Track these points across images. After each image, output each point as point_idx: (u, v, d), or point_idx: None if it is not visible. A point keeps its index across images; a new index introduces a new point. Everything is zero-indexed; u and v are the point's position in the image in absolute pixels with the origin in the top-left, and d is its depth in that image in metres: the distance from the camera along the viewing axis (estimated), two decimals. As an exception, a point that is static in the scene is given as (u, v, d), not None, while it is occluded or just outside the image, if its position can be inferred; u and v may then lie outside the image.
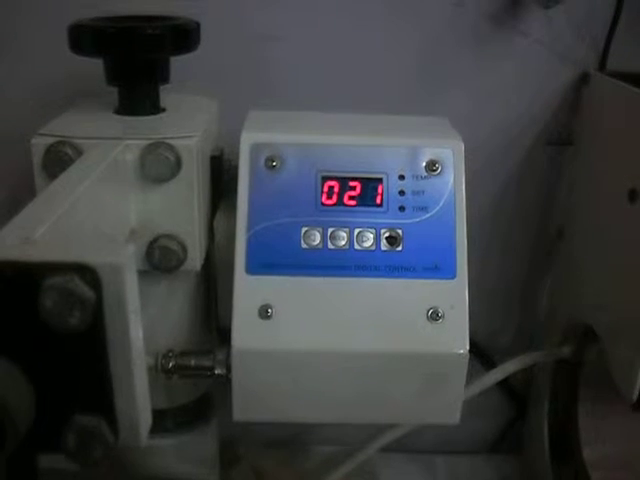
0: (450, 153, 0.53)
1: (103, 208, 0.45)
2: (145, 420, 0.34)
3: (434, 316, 0.50)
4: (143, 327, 0.34)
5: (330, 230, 0.51)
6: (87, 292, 0.29)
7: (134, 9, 0.56)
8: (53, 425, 0.31)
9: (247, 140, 0.52)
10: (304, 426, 0.84)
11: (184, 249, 0.51)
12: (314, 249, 0.51)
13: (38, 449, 0.32)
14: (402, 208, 0.52)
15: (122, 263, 0.30)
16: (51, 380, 0.31)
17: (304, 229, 0.51)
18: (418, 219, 0.52)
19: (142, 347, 0.34)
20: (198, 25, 0.55)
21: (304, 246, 0.51)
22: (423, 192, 0.52)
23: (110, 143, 0.48)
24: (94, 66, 0.53)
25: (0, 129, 0.68)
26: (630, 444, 0.72)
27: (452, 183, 0.52)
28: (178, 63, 0.55)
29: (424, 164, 0.52)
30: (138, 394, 0.33)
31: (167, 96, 0.57)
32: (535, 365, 0.75)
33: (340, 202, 0.52)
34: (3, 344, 0.30)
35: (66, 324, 0.29)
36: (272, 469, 0.81)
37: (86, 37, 0.51)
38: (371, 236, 0.51)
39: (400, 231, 0.51)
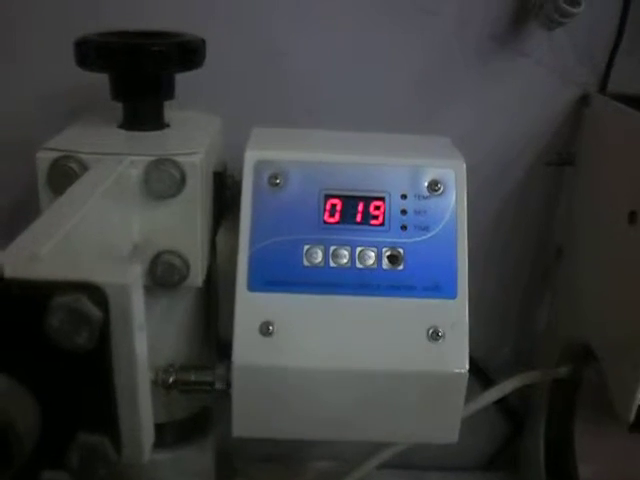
0: (452, 173, 0.53)
1: (108, 224, 0.45)
2: (148, 437, 0.35)
3: (434, 335, 0.50)
4: (145, 343, 0.35)
5: (332, 248, 0.51)
6: (94, 311, 0.30)
7: (140, 25, 0.56)
8: (57, 443, 0.31)
9: (251, 157, 0.52)
10: (301, 442, 0.83)
11: (186, 265, 0.51)
12: (316, 267, 0.51)
13: (42, 467, 0.32)
14: (404, 227, 0.52)
15: (130, 283, 0.31)
16: (56, 398, 0.31)
17: (306, 247, 0.51)
18: (420, 238, 0.52)
19: (146, 365, 0.34)
20: (203, 42, 0.55)
21: (306, 264, 0.51)
22: (425, 212, 0.52)
23: (115, 159, 0.48)
24: (99, 79, 0.54)
25: (4, 139, 0.68)
26: (626, 463, 0.72)
27: (454, 203, 0.53)
28: (183, 79, 0.55)
29: (426, 184, 0.53)
30: (142, 412, 0.33)
31: (171, 112, 0.57)
32: (532, 383, 0.75)
33: (342, 220, 0.52)
34: (9, 362, 0.30)
35: (73, 343, 0.29)
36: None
37: (92, 52, 0.52)
38: (373, 255, 0.51)
39: (402, 250, 0.52)
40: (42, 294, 0.29)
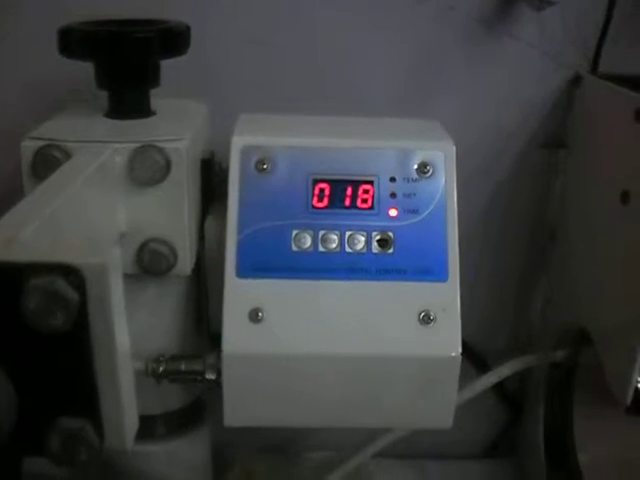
0: (441, 156, 0.52)
1: (92, 211, 0.45)
2: (131, 423, 0.34)
3: (426, 319, 0.50)
4: (133, 331, 0.34)
5: (321, 233, 0.51)
6: (71, 293, 0.29)
7: (125, 13, 0.56)
8: (37, 428, 0.31)
9: (238, 143, 0.52)
10: (298, 431, 0.83)
11: (174, 253, 0.51)
12: (305, 252, 0.51)
13: (22, 452, 0.31)
14: (393, 210, 0.51)
15: (107, 263, 0.30)
16: (34, 382, 0.30)
17: (295, 232, 0.51)
18: (409, 222, 0.51)
19: (128, 349, 0.34)
20: (188, 28, 0.55)
21: (295, 249, 0.51)
22: (414, 195, 0.52)
23: (99, 146, 0.48)
24: (85, 68, 0.53)
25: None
26: (625, 447, 0.71)
27: (443, 186, 0.52)
28: (169, 66, 0.55)
29: (415, 167, 0.52)
30: (124, 397, 0.33)
31: (157, 99, 0.57)
32: (530, 368, 0.75)
33: (331, 205, 0.52)
34: (-15, 345, 0.30)
35: (49, 325, 0.29)
36: (266, 474, 0.81)
37: (75, 40, 0.51)
38: (362, 239, 0.51)
39: (391, 234, 0.51)
40: (18, 276, 0.29)
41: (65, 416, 0.31)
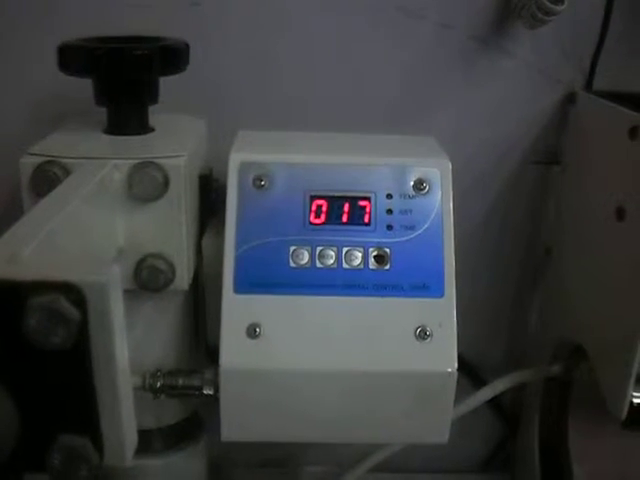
0: (437, 172, 0.53)
1: (91, 227, 0.45)
2: (130, 440, 0.34)
3: (422, 335, 0.50)
4: (131, 347, 0.34)
5: (318, 249, 0.51)
6: (72, 311, 0.29)
7: (124, 30, 0.56)
8: (38, 444, 0.31)
9: (235, 159, 0.52)
10: (295, 446, 0.83)
11: (172, 268, 0.51)
12: (302, 268, 0.51)
13: (23, 469, 0.31)
14: (390, 227, 0.52)
15: (107, 282, 0.30)
16: (36, 399, 0.31)
17: (292, 248, 0.51)
18: (406, 238, 0.52)
19: (127, 366, 0.34)
20: (187, 46, 0.55)
21: (292, 265, 0.51)
22: (411, 211, 0.52)
23: (98, 163, 0.48)
24: (85, 84, 0.54)
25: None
26: (620, 461, 0.71)
27: (439, 202, 0.52)
28: (167, 83, 0.55)
29: (412, 183, 0.53)
30: (123, 413, 0.33)
31: (156, 116, 0.57)
32: (525, 383, 0.75)
33: (328, 221, 0.52)
34: (-13, 363, 0.30)
35: (50, 343, 0.29)
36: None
37: (74, 57, 0.52)
38: (359, 255, 0.51)
39: (388, 250, 0.51)
40: (19, 294, 0.29)
41: (66, 433, 0.31)
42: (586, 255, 0.66)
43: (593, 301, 0.64)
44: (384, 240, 0.52)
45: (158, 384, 0.52)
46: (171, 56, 0.54)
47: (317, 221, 0.52)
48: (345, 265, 0.51)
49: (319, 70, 0.69)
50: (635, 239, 0.56)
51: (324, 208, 0.52)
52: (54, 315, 0.29)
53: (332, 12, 0.68)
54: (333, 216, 0.52)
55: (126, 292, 0.33)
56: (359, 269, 0.51)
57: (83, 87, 0.54)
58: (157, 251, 0.51)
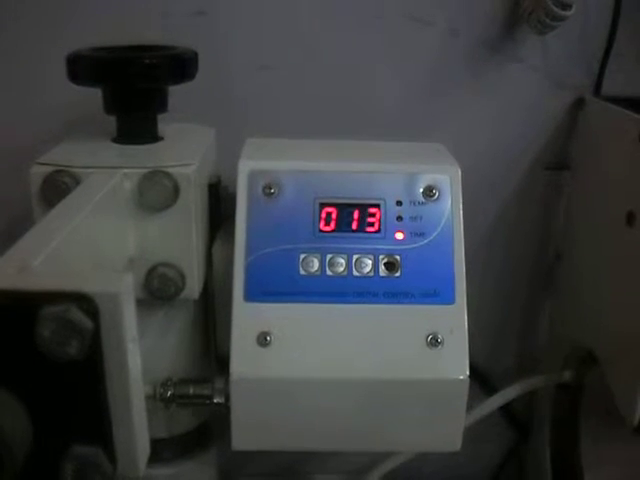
0: (447, 179, 0.53)
1: (101, 237, 0.45)
2: (143, 450, 0.34)
3: (433, 342, 0.50)
4: (141, 356, 0.34)
5: (328, 257, 0.51)
6: (85, 321, 0.29)
7: (133, 39, 0.56)
8: (51, 455, 0.31)
9: (245, 167, 0.52)
10: (305, 455, 0.83)
11: (182, 277, 0.51)
12: (312, 276, 0.51)
13: (36, 479, 0.31)
14: (400, 234, 0.52)
15: (120, 292, 0.30)
16: (49, 410, 0.30)
17: (302, 256, 0.51)
18: (416, 245, 0.52)
19: (140, 376, 0.34)
20: (196, 54, 0.55)
21: (302, 273, 0.51)
22: (421, 218, 0.52)
23: (108, 172, 0.48)
24: (94, 93, 0.54)
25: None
26: (632, 468, 0.71)
27: (449, 209, 0.52)
28: (176, 92, 0.55)
29: (421, 190, 0.52)
30: (136, 424, 0.33)
31: (165, 125, 0.57)
32: (536, 390, 0.74)
33: (338, 228, 0.52)
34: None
35: (64, 354, 0.29)
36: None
37: (84, 67, 0.52)
38: (369, 262, 0.51)
39: (398, 257, 0.51)
40: (32, 304, 0.29)
41: (79, 443, 0.31)
42: (596, 260, 0.66)
43: (604, 307, 0.63)
44: (394, 247, 0.52)
45: (168, 393, 0.52)
46: (180, 65, 0.54)
47: (327, 228, 0.52)
48: (355, 272, 0.51)
49: (326, 78, 0.69)
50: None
51: (334, 215, 0.52)
52: (67, 325, 0.29)
53: (339, 20, 0.68)
54: (343, 223, 0.52)
55: (136, 301, 0.33)
56: (369, 276, 0.51)
57: (92, 96, 0.54)
58: (167, 260, 0.51)
